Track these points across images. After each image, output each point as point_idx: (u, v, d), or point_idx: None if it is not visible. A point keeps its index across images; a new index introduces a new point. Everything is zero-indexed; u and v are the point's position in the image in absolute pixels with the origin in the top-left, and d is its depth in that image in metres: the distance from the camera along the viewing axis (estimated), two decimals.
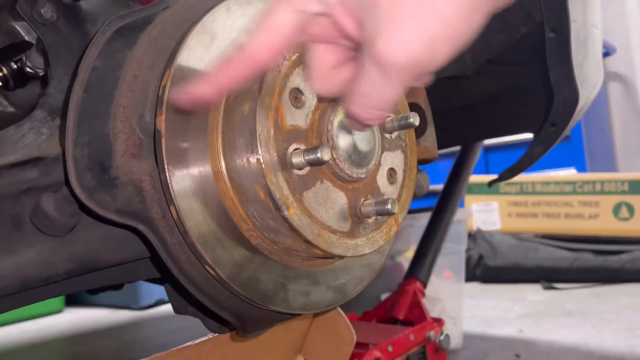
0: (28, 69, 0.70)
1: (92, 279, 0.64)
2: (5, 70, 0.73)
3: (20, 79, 0.73)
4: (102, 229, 0.60)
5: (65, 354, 2.22)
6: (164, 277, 0.65)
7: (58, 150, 0.62)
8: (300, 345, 0.96)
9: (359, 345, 1.05)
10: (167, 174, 0.56)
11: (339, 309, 0.94)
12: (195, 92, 0.48)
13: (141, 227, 0.57)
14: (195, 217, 0.57)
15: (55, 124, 0.64)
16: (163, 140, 0.55)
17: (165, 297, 2.76)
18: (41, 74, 0.69)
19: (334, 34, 0.45)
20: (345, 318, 0.93)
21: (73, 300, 2.92)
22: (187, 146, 0.57)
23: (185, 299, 0.67)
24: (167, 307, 2.75)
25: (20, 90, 0.76)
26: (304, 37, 0.45)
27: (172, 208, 0.56)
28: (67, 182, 0.57)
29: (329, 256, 0.64)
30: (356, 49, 0.45)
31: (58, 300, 2.77)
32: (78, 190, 0.55)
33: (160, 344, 2.07)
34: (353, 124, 0.48)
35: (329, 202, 0.61)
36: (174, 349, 0.74)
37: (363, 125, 0.47)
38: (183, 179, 0.57)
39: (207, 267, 0.59)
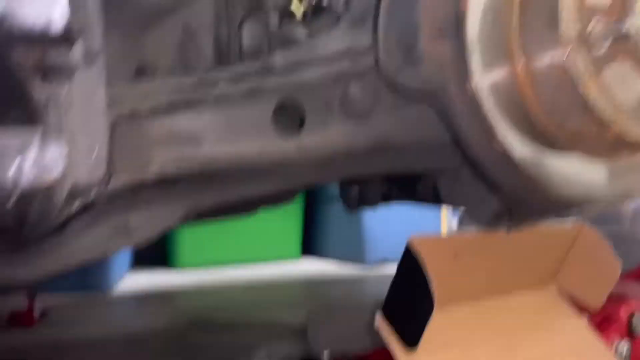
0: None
1: (387, 160, 0.74)
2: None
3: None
4: (399, 111, 0.69)
5: (302, 297, 2.46)
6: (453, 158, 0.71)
7: (367, 43, 0.72)
8: (555, 272, 0.95)
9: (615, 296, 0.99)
10: (468, 53, 0.61)
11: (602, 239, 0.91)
12: None
13: (439, 103, 0.64)
14: (489, 99, 0.62)
15: (363, 23, 0.74)
16: (466, 21, 0.61)
17: (390, 256, 2.86)
18: None
19: None
20: (609, 247, 0.90)
21: (307, 250, 3.21)
22: (487, 27, 0.62)
23: (467, 186, 0.73)
24: (393, 268, 2.84)
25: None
26: None
27: (469, 87, 0.62)
28: (376, 66, 0.67)
29: (622, 144, 0.63)
30: None
31: (295, 248, 3.09)
32: (389, 68, 0.64)
33: None
34: None
35: (626, 86, 0.60)
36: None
37: None
38: (482, 58, 0.62)
39: (497, 147, 0.63)
